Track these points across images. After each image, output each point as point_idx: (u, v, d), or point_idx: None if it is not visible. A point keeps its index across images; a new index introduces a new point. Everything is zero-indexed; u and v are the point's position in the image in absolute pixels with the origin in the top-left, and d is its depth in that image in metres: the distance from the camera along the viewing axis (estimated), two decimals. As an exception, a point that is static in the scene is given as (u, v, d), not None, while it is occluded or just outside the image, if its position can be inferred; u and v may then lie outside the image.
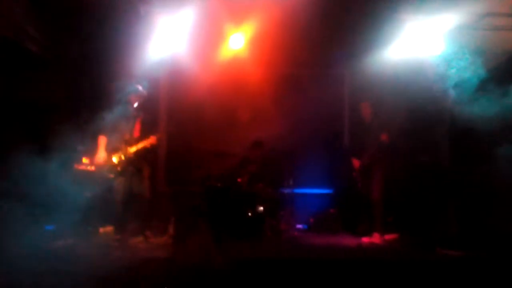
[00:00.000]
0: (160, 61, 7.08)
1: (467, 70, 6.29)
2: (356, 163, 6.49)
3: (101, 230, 6.23)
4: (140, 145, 5.78)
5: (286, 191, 6.85)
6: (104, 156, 5.72)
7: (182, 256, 4.96)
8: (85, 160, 6.13)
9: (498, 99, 5.89)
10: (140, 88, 6.03)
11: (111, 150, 5.81)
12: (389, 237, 6.12)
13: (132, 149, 5.77)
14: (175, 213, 6.07)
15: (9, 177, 5.11)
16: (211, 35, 6.96)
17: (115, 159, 5.74)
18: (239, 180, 6.64)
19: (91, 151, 6.07)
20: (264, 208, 6.26)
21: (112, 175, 5.75)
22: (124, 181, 5.75)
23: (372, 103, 6.45)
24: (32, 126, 5.92)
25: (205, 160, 7.05)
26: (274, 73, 7.85)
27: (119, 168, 5.73)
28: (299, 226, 7.34)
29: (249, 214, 6.17)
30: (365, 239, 6.14)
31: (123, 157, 5.74)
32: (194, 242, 5.43)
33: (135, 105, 5.97)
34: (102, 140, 5.80)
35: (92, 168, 6.09)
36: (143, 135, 5.89)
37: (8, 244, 4.81)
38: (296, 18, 6.14)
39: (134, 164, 5.83)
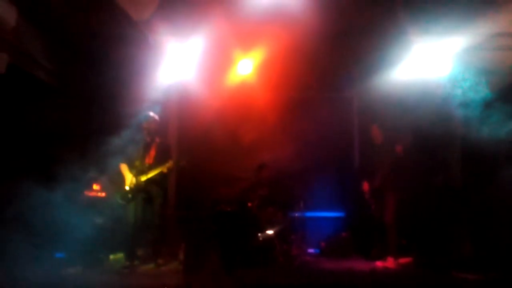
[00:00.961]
0: (169, 87, 7.16)
1: (476, 90, 6.26)
2: (367, 185, 6.43)
3: (112, 257, 6.19)
4: (154, 172, 5.80)
5: (297, 214, 6.77)
6: (132, 179, 5.76)
7: (193, 283, 4.90)
8: (95, 186, 6.15)
9: (508, 119, 5.84)
10: (152, 114, 6.08)
11: (123, 177, 5.85)
12: (403, 260, 6.00)
13: (145, 177, 5.79)
14: (185, 238, 6.01)
15: (19, 205, 5.13)
16: (219, 61, 7.04)
17: (127, 186, 5.78)
18: (249, 204, 6.60)
19: (102, 178, 6.12)
20: (274, 233, 6.19)
21: (123, 202, 5.76)
22: (135, 208, 5.76)
23: (382, 125, 6.42)
24: (42, 154, 5.96)
25: (214, 184, 7.03)
26: (283, 97, 7.87)
27: (130, 195, 5.75)
28: (310, 250, 7.23)
29: (260, 238, 6.10)
30: (378, 263, 6.03)
31: (135, 184, 5.76)
32: (205, 269, 5.37)
33: (149, 131, 6.00)
34: (124, 167, 5.89)
35: (103, 194, 6.11)
36: (157, 162, 5.91)
37: (18, 272, 4.80)
38: (303, 42, 6.21)
39: (146, 191, 5.84)
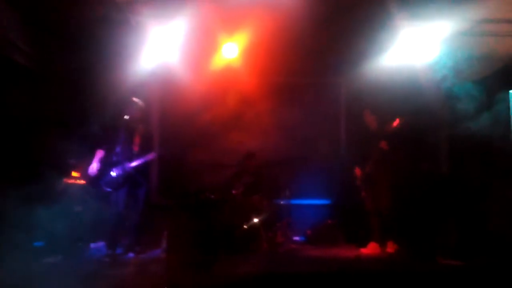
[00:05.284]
0: (153, 71, 6.98)
1: (464, 76, 6.22)
2: (358, 172, 6.33)
3: (92, 245, 6.06)
4: (140, 160, 5.68)
5: (283, 202, 6.70)
6: (97, 167, 5.61)
7: (175, 272, 4.82)
8: (74, 173, 5.99)
9: (495, 105, 5.83)
10: (135, 99, 5.93)
11: (109, 164, 5.70)
12: (388, 247, 5.97)
13: (132, 164, 5.65)
14: (168, 226, 5.91)
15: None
16: (204, 45, 6.86)
17: (114, 174, 5.63)
18: (234, 192, 6.51)
19: (83, 165, 5.96)
20: (260, 220, 6.12)
21: (108, 189, 5.63)
22: (119, 196, 5.63)
23: (374, 111, 6.33)
24: (21, 140, 5.77)
25: (199, 171, 6.92)
26: (269, 83, 7.75)
27: (119, 182, 5.61)
28: (296, 238, 7.18)
29: (245, 226, 6.03)
30: (364, 250, 6.00)
31: (123, 171, 5.62)
32: (188, 257, 5.29)
33: (132, 117, 5.84)
34: (99, 154, 5.77)
35: (82, 181, 5.96)
36: (142, 149, 5.80)
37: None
38: (290, 27, 6.06)
39: (133, 178, 5.70)
